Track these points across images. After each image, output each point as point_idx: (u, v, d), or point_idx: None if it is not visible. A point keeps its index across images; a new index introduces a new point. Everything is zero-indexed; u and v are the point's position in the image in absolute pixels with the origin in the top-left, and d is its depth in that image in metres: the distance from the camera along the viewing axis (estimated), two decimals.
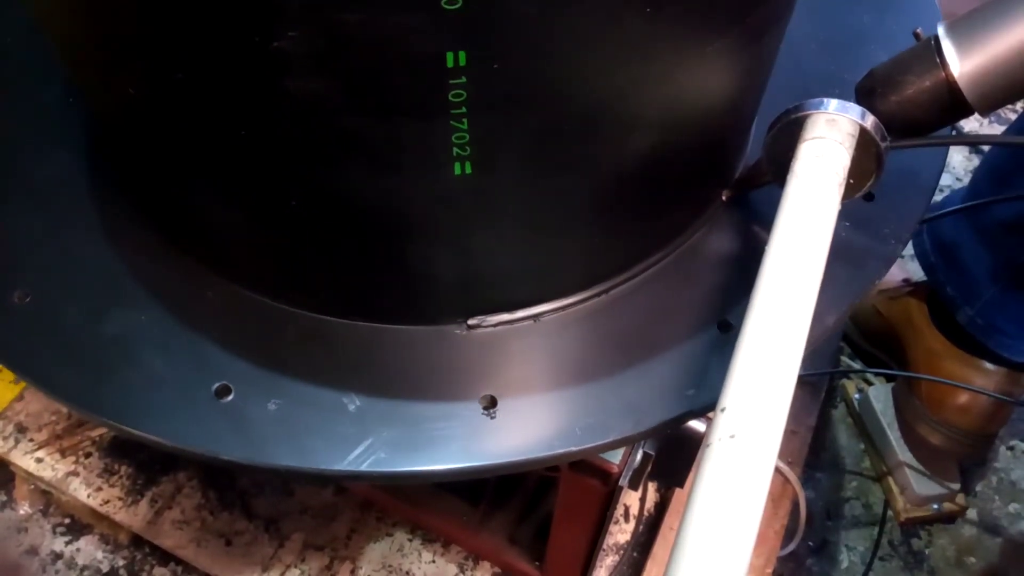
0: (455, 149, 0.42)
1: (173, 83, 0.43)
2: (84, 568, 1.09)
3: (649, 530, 1.09)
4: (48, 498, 1.13)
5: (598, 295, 0.57)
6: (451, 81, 0.39)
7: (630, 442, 0.52)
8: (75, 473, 1.08)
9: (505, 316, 0.55)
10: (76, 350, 0.53)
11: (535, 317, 0.56)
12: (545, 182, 0.48)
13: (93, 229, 0.59)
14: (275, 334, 0.55)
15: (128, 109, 0.50)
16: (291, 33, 0.37)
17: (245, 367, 0.53)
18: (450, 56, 0.37)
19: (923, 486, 1.16)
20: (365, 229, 0.49)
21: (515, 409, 0.51)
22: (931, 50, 0.50)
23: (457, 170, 0.43)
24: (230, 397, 0.51)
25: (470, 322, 0.55)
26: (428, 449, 0.49)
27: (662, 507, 1.09)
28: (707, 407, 0.52)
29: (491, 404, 0.51)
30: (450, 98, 0.39)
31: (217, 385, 0.51)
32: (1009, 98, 0.50)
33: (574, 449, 0.50)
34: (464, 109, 0.40)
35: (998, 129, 1.14)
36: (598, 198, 0.51)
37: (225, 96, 0.42)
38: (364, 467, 0.49)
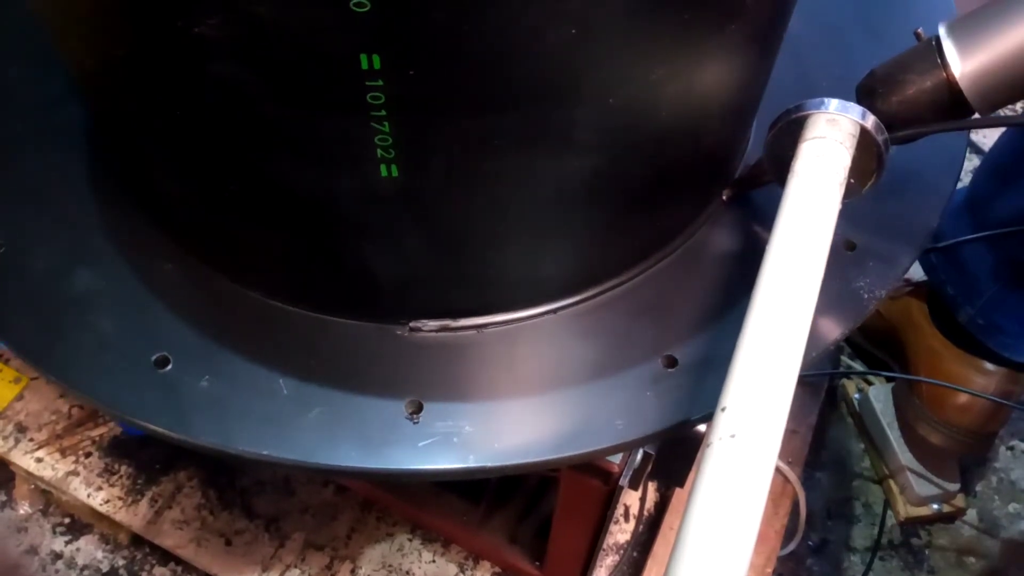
0: (379, 151, 0.42)
1: (118, 59, 0.45)
2: (84, 568, 1.09)
3: (649, 529, 1.09)
4: (48, 498, 1.13)
5: (546, 314, 0.56)
6: (368, 83, 0.38)
7: (548, 466, 0.51)
8: (75, 473, 1.08)
9: (448, 323, 0.54)
10: (37, 304, 0.55)
11: (478, 328, 0.55)
12: (481, 192, 0.47)
13: (80, 192, 0.60)
14: (224, 312, 0.56)
15: (91, 80, 0.51)
16: (209, 20, 0.37)
17: (189, 341, 0.53)
18: (364, 58, 0.37)
19: (923, 486, 1.16)
20: (302, 220, 0.50)
21: (439, 416, 0.51)
22: (932, 50, 0.50)
23: (383, 172, 0.43)
24: (168, 368, 0.52)
25: (411, 324, 0.54)
26: (344, 444, 0.49)
27: (662, 506, 1.09)
28: (634, 442, 0.51)
29: (417, 409, 0.51)
30: (368, 100, 0.39)
31: (157, 355, 0.52)
32: (1010, 98, 0.50)
33: (488, 465, 0.49)
34: (384, 112, 0.40)
35: (997, 131, 1.14)
36: (543, 213, 0.50)
37: (160, 76, 0.44)
38: (278, 453, 0.49)
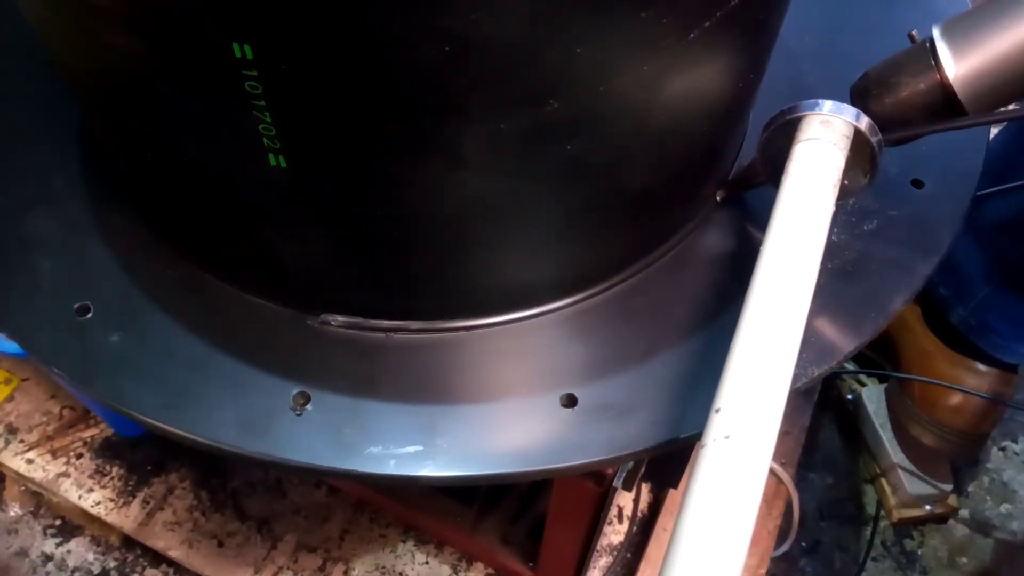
0: (265, 140, 0.41)
1: (50, 20, 0.46)
2: (75, 570, 1.09)
3: (643, 531, 1.09)
4: (39, 499, 1.13)
5: (459, 330, 0.53)
6: (244, 72, 0.38)
7: (417, 483, 0.49)
8: (66, 474, 1.08)
9: (360, 321, 0.53)
10: None
11: (386, 331, 0.53)
12: (375, 195, 0.45)
13: (66, 145, 0.61)
14: (157, 275, 0.56)
15: (43, 41, 0.52)
16: None
17: (114, 294, 0.54)
18: (236, 47, 0.37)
19: (915, 486, 1.17)
20: (211, 198, 0.50)
21: (325, 412, 0.50)
22: (926, 52, 0.50)
23: (272, 161, 0.42)
24: (87, 317, 0.53)
25: (323, 317, 0.54)
26: (225, 422, 0.49)
27: (656, 508, 1.09)
28: (509, 475, 0.49)
29: (305, 400, 0.50)
30: (247, 88, 0.38)
31: (81, 303, 0.53)
32: (1003, 100, 0.50)
33: (355, 470, 0.48)
34: (263, 102, 0.39)
35: (991, 132, 1.15)
36: (449, 225, 0.47)
37: (73, 37, 0.45)
38: (159, 419, 0.49)
